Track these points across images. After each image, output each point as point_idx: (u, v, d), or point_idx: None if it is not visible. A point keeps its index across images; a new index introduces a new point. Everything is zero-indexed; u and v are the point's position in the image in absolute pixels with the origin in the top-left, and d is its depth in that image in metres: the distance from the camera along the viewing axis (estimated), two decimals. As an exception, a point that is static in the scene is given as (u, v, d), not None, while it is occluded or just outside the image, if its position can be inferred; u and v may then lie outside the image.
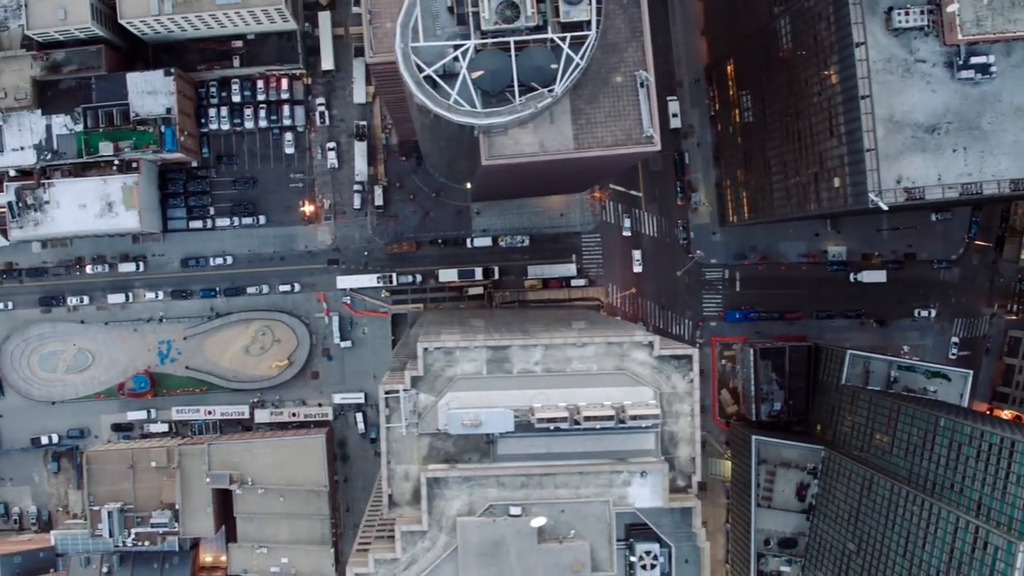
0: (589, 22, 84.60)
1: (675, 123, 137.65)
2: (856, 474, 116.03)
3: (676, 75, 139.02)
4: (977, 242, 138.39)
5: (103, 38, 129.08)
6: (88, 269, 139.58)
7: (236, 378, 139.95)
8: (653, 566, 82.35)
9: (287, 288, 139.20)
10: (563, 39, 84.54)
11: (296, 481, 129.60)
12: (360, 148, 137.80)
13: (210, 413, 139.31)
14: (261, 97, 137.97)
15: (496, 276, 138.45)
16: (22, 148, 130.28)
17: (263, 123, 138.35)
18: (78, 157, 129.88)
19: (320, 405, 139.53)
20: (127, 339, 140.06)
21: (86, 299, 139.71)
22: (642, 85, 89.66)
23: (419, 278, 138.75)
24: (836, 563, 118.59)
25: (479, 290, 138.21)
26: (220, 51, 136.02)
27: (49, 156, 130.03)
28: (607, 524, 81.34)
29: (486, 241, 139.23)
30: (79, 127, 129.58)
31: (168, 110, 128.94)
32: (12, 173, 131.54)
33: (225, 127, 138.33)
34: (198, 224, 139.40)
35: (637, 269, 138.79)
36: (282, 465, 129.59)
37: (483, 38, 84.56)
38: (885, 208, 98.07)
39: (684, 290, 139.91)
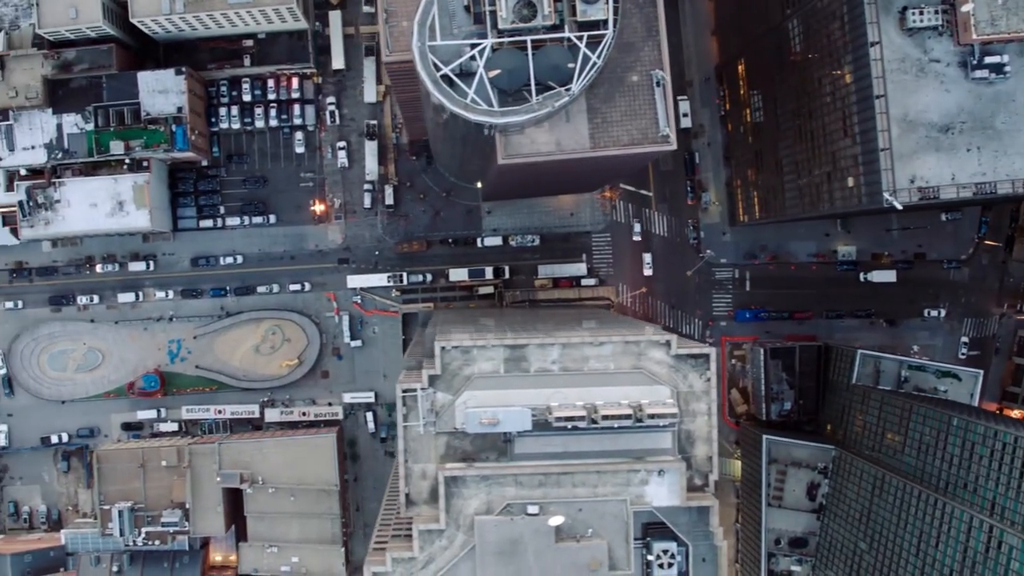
0: (606, 21, 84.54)
1: (685, 123, 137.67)
2: (867, 473, 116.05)
3: (686, 75, 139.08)
4: (987, 242, 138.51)
5: (114, 37, 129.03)
6: (98, 268, 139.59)
7: (246, 377, 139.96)
8: (670, 565, 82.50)
9: (297, 287, 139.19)
10: (580, 38, 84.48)
11: (307, 480, 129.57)
12: (371, 147, 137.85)
13: (220, 412, 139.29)
14: (272, 96, 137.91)
15: (506, 275, 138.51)
16: (33, 147, 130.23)
17: (273, 122, 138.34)
18: (89, 156, 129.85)
19: (330, 404, 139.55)
20: (137, 338, 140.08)
21: (96, 298, 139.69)
22: (658, 84, 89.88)
23: (429, 277, 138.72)
24: (847, 562, 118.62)
25: (489, 289, 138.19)
26: (231, 50, 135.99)
27: (60, 155, 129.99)
28: (624, 523, 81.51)
29: (496, 240, 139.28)
30: (90, 126, 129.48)
31: (179, 109, 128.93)
32: (23, 172, 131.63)
33: (236, 126, 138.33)
34: (208, 223, 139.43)
35: (647, 272, 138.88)
36: (293, 464, 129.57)
37: (500, 37, 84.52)
38: (900, 207, 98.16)
39: (694, 290, 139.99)
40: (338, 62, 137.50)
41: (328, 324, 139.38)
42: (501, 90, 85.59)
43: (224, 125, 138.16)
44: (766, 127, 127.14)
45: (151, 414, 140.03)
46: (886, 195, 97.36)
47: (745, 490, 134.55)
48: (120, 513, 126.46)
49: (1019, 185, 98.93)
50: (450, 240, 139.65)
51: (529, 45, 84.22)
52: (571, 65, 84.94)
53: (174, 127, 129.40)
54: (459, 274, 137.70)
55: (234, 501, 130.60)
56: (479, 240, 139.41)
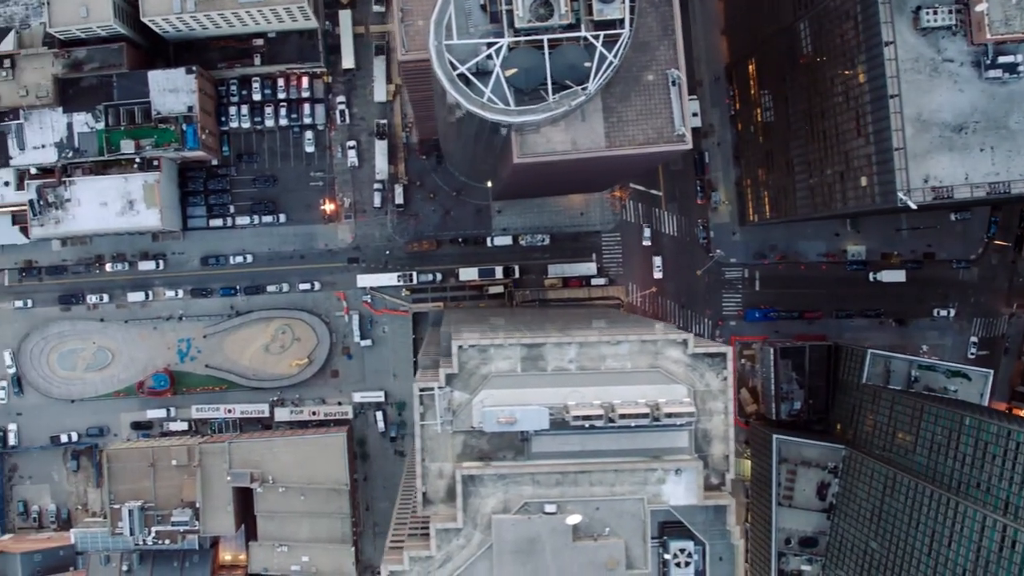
0: (622, 20, 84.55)
1: (695, 122, 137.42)
2: (878, 473, 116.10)
3: (696, 74, 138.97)
4: (996, 242, 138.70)
5: (125, 36, 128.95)
6: (108, 267, 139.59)
7: (256, 376, 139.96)
8: (687, 564, 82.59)
9: (307, 286, 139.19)
10: (596, 37, 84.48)
11: (317, 479, 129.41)
12: (380, 147, 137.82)
13: (230, 411, 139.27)
14: (281, 95, 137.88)
15: (516, 275, 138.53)
16: (43, 146, 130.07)
17: (283, 121, 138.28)
18: (99, 155, 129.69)
19: (340, 404, 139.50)
20: (147, 337, 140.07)
21: (106, 297, 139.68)
22: (674, 83, 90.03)
23: (439, 277, 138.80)
24: (857, 562, 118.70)
25: (499, 289, 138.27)
26: (241, 49, 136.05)
27: (70, 154, 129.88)
28: (642, 521, 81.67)
29: (506, 240, 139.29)
30: (100, 125, 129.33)
31: (190, 108, 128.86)
32: (33, 171, 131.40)
33: (245, 125, 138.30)
34: (218, 222, 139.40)
35: (658, 276, 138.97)
36: (303, 463, 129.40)
37: (516, 36, 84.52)
38: (914, 207, 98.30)
39: (704, 289, 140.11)
40: (348, 61, 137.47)
41: (338, 323, 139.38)
42: (517, 89, 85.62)
43: (234, 124, 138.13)
44: (777, 127, 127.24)
45: (161, 413, 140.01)
46: (900, 195, 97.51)
47: (755, 489, 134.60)
48: (130, 512, 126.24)
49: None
50: (460, 239, 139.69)
51: (546, 44, 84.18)
52: (587, 64, 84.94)
53: (184, 126, 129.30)
54: (469, 273, 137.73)
55: (244, 500, 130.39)
56: (489, 239, 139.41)
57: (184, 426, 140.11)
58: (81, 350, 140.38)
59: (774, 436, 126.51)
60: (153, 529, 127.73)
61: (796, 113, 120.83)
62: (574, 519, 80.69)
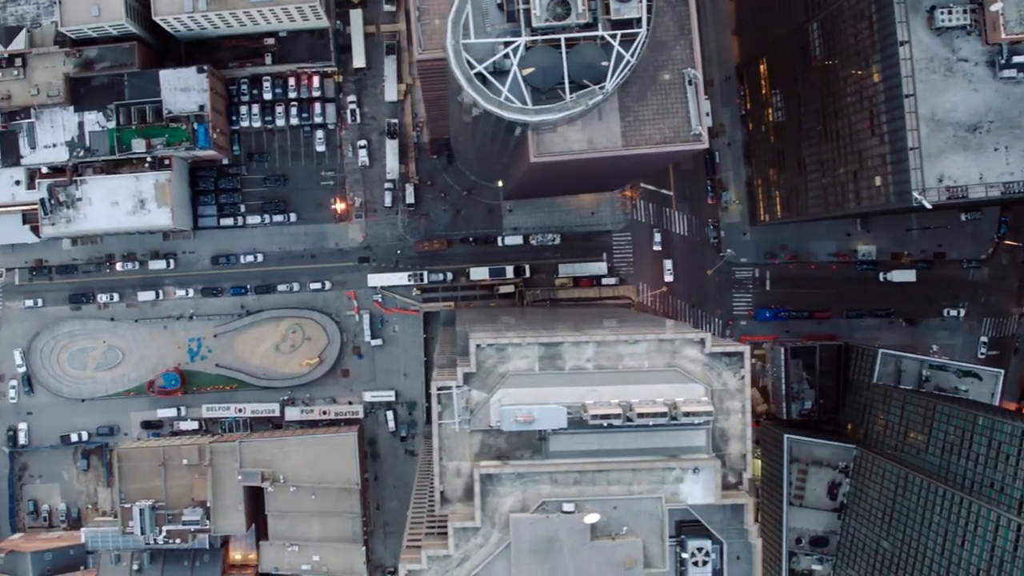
0: (639, 20, 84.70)
1: (706, 122, 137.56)
2: (890, 472, 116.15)
3: (707, 74, 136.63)
4: (1006, 242, 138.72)
5: (136, 35, 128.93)
6: (118, 266, 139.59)
7: (266, 376, 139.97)
8: (705, 563, 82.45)
9: (318, 286, 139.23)
10: (614, 36, 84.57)
11: (328, 479, 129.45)
12: (391, 146, 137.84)
13: (240, 411, 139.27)
14: (292, 95, 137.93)
15: (527, 274, 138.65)
16: (54, 145, 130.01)
17: (294, 121, 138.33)
18: (110, 154, 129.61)
19: (350, 403, 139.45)
20: (157, 336, 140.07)
21: (116, 296, 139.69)
22: (690, 83, 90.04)
23: (450, 276, 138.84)
24: (869, 561, 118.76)
25: (510, 288, 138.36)
26: (252, 48, 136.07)
27: (81, 153, 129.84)
28: (659, 520, 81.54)
29: (517, 239, 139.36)
30: (112, 124, 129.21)
31: (201, 107, 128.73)
32: (44, 170, 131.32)
33: (256, 125, 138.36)
34: (229, 222, 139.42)
35: (669, 279, 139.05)
36: (314, 463, 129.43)
37: (534, 35, 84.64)
38: (929, 207, 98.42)
39: (714, 289, 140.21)
40: (359, 60, 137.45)
41: (348, 323, 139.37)
42: (535, 88, 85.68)
43: (245, 123, 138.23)
44: (788, 126, 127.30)
45: (171, 412, 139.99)
46: (915, 194, 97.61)
47: (765, 489, 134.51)
48: (141, 511, 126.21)
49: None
50: (471, 239, 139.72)
51: (563, 43, 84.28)
52: (604, 63, 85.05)
53: (196, 125, 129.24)
54: (480, 273, 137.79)
55: (254, 500, 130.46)
56: (500, 239, 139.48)
57: (194, 425, 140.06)
58: (91, 349, 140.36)
59: (785, 436, 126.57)
60: (164, 528, 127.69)
61: (808, 113, 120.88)
62: (592, 518, 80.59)
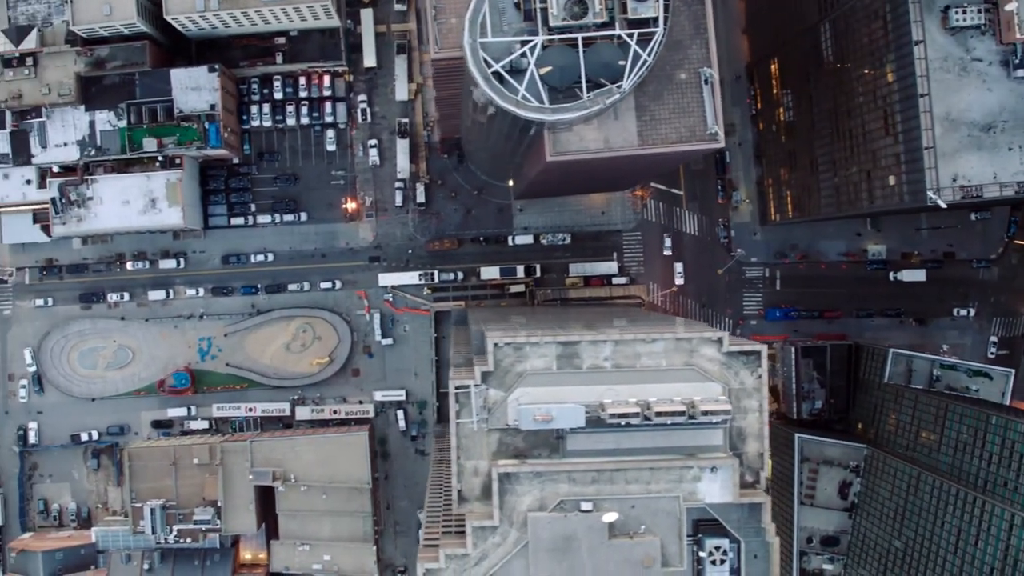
0: (656, 19, 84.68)
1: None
2: (902, 472, 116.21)
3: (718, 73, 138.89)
4: (1016, 241, 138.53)
5: (147, 34, 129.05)
6: (129, 266, 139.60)
7: (277, 375, 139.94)
8: (723, 561, 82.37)
9: (328, 285, 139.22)
10: (631, 35, 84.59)
11: (338, 478, 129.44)
12: (402, 145, 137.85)
13: (251, 410, 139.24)
14: (303, 94, 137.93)
15: (538, 274, 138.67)
16: (65, 144, 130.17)
17: (305, 120, 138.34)
18: (121, 153, 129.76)
19: (361, 402, 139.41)
20: (167, 336, 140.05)
21: (126, 295, 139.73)
22: (706, 82, 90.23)
23: (461, 276, 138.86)
24: (880, 560, 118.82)
25: (521, 288, 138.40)
26: (263, 48, 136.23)
27: (92, 152, 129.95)
28: (677, 519, 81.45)
29: (528, 239, 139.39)
30: (123, 123, 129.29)
31: (212, 106, 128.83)
32: (55, 169, 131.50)
33: (267, 124, 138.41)
34: (239, 221, 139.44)
35: (679, 282, 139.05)
36: (325, 462, 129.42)
37: (551, 34, 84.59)
38: (944, 206, 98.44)
39: (725, 288, 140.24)
40: (370, 60, 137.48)
41: (359, 322, 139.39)
42: (551, 87, 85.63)
43: (255, 123, 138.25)
44: (800, 126, 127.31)
45: (181, 412, 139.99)
46: (930, 193, 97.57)
47: (775, 488, 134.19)
48: (152, 511, 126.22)
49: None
50: (481, 238, 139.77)
51: (580, 42, 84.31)
52: (621, 62, 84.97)
53: (207, 124, 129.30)
54: (490, 272, 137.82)
55: (265, 499, 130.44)
56: (510, 238, 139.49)
57: (205, 425, 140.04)
58: (102, 348, 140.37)
59: (796, 435, 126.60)
60: (174, 528, 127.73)
61: (821, 112, 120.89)
62: (610, 517, 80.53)
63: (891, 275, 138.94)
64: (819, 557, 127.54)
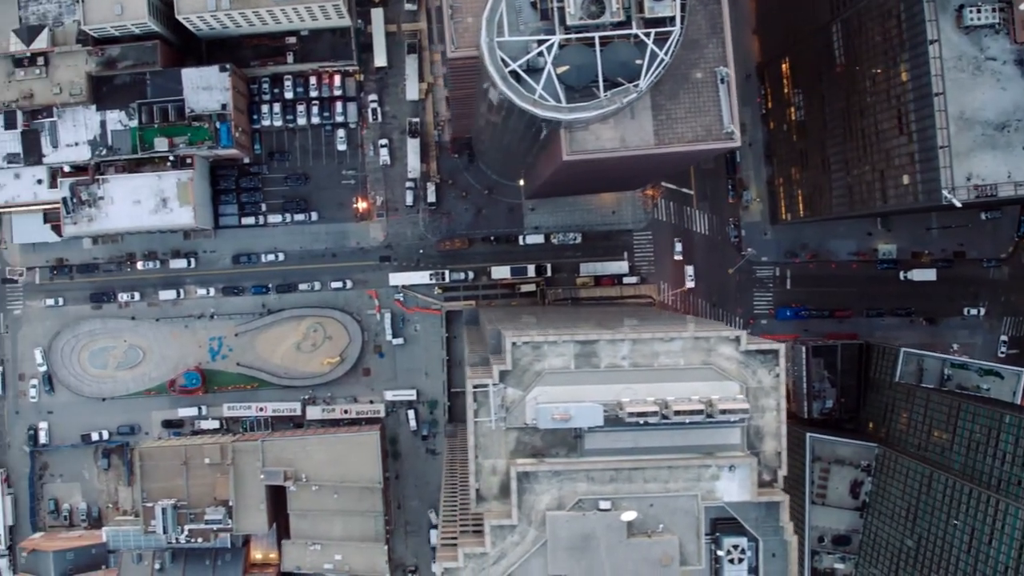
0: (673, 18, 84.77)
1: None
2: (914, 471, 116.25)
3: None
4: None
5: (159, 34, 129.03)
6: (139, 265, 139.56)
7: (287, 375, 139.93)
8: (741, 560, 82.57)
9: (339, 285, 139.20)
10: (648, 35, 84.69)
11: (350, 478, 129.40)
12: (412, 145, 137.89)
13: (262, 410, 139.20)
14: (314, 94, 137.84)
15: (548, 273, 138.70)
16: (76, 144, 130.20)
17: (315, 120, 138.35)
18: (133, 153, 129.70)
19: (372, 402, 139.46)
20: (178, 335, 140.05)
21: (137, 295, 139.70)
22: (722, 81, 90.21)
23: (471, 275, 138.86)
24: (892, 559, 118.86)
25: (531, 287, 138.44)
26: (274, 47, 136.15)
27: (104, 152, 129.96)
28: (695, 518, 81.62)
29: (538, 238, 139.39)
30: (134, 123, 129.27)
31: (223, 106, 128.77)
32: (66, 169, 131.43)
33: (277, 124, 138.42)
34: (250, 220, 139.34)
35: (690, 284, 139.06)
36: (336, 462, 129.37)
37: (567, 33, 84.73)
38: (959, 205, 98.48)
39: (735, 288, 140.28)
40: (380, 59, 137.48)
41: (370, 322, 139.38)
42: (568, 86, 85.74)
43: (266, 122, 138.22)
44: (811, 125, 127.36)
45: (192, 412, 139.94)
46: (945, 192, 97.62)
47: (788, 488, 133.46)
48: (163, 511, 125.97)
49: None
50: (492, 238, 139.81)
51: (597, 42, 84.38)
52: (638, 61, 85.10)
53: (218, 124, 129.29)
54: (501, 272, 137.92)
55: (276, 499, 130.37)
56: (521, 238, 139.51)
57: (215, 424, 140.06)
58: (112, 348, 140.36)
59: (808, 434, 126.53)
60: (186, 527, 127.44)
61: (833, 111, 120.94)
62: (629, 515, 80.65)
63: (901, 274, 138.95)
64: (831, 556, 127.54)
